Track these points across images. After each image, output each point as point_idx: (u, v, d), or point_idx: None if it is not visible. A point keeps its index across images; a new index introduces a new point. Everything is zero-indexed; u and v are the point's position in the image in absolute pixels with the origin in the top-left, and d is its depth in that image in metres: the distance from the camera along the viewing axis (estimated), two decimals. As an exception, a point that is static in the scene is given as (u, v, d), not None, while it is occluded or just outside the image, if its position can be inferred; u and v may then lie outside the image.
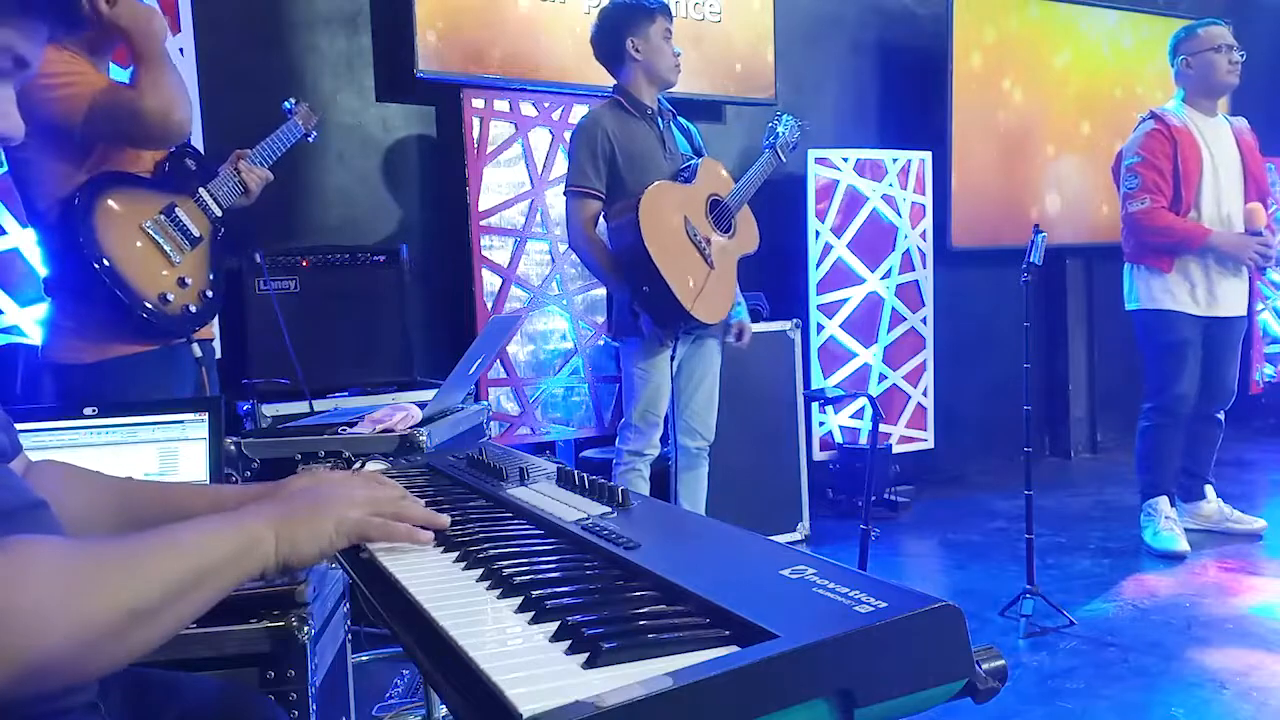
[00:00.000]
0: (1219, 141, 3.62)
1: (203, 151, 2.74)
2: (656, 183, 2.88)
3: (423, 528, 0.98)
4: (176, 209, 2.15)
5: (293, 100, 2.63)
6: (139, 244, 2.08)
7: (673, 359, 2.93)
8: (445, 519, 1.01)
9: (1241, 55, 3.66)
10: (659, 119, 3.02)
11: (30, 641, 0.68)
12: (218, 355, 3.05)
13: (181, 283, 2.14)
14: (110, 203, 2.05)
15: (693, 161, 3.01)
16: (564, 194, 3.03)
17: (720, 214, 2.97)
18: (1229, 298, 3.60)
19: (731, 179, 3.06)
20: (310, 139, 2.63)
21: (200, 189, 2.22)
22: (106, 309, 2.03)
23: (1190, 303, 3.56)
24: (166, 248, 2.12)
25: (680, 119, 3.14)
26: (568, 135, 3.67)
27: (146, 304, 2.06)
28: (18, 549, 0.72)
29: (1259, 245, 3.50)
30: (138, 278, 2.06)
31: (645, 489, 3.04)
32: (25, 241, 2.76)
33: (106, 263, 2.00)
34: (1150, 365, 3.68)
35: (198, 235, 2.20)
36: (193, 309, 2.17)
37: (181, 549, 0.81)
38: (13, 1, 0.82)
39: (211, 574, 0.82)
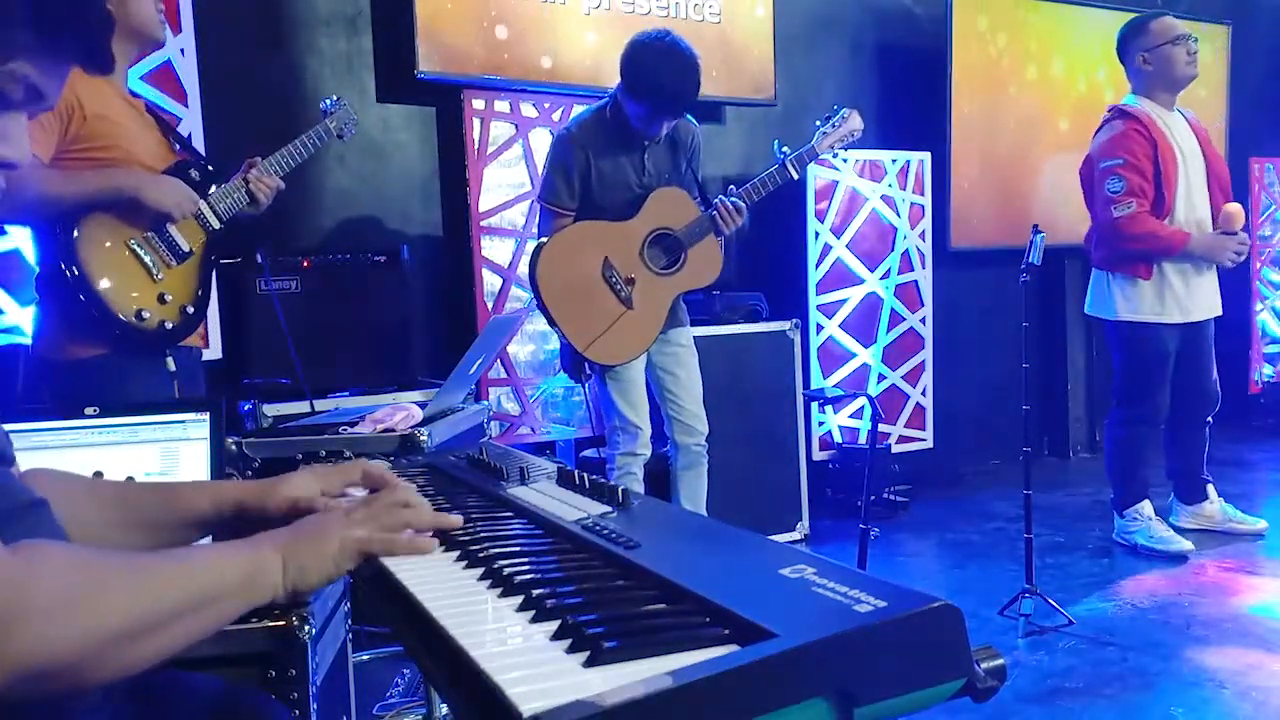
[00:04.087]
0: (1183, 138, 3.52)
1: (203, 152, 2.74)
2: (575, 225, 2.89)
3: (435, 531, 0.97)
4: (168, 225, 2.17)
5: (333, 99, 2.58)
6: (120, 260, 2.11)
7: (583, 383, 3.00)
8: (456, 519, 0.99)
9: (1196, 44, 3.54)
10: (644, 138, 2.93)
11: (37, 644, 0.69)
12: (218, 357, 3.06)
13: (161, 299, 2.16)
14: (98, 219, 2.07)
15: (649, 192, 2.94)
16: (537, 201, 3.05)
17: (665, 249, 2.92)
18: (1204, 301, 3.53)
19: (696, 208, 2.95)
20: (344, 138, 2.59)
21: (199, 202, 2.22)
22: (80, 315, 2.06)
23: (1171, 310, 3.47)
24: (149, 263, 2.14)
25: (679, 124, 3.02)
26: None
27: (120, 320, 2.09)
28: (30, 552, 0.72)
29: (1237, 245, 3.43)
30: (113, 294, 2.08)
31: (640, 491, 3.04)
32: (25, 242, 2.76)
33: (80, 277, 2.03)
34: (1127, 375, 3.57)
35: (187, 250, 2.21)
36: (169, 325, 2.18)
37: (194, 570, 0.82)
38: (32, 39, 0.80)
39: (221, 597, 0.82)
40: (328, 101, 2.57)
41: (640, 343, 2.93)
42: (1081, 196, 3.75)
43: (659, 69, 2.74)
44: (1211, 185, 3.53)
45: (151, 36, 2.20)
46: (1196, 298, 3.51)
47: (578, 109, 3.75)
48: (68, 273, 2.03)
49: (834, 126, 3.05)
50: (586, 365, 2.95)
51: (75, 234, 2.04)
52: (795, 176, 3.00)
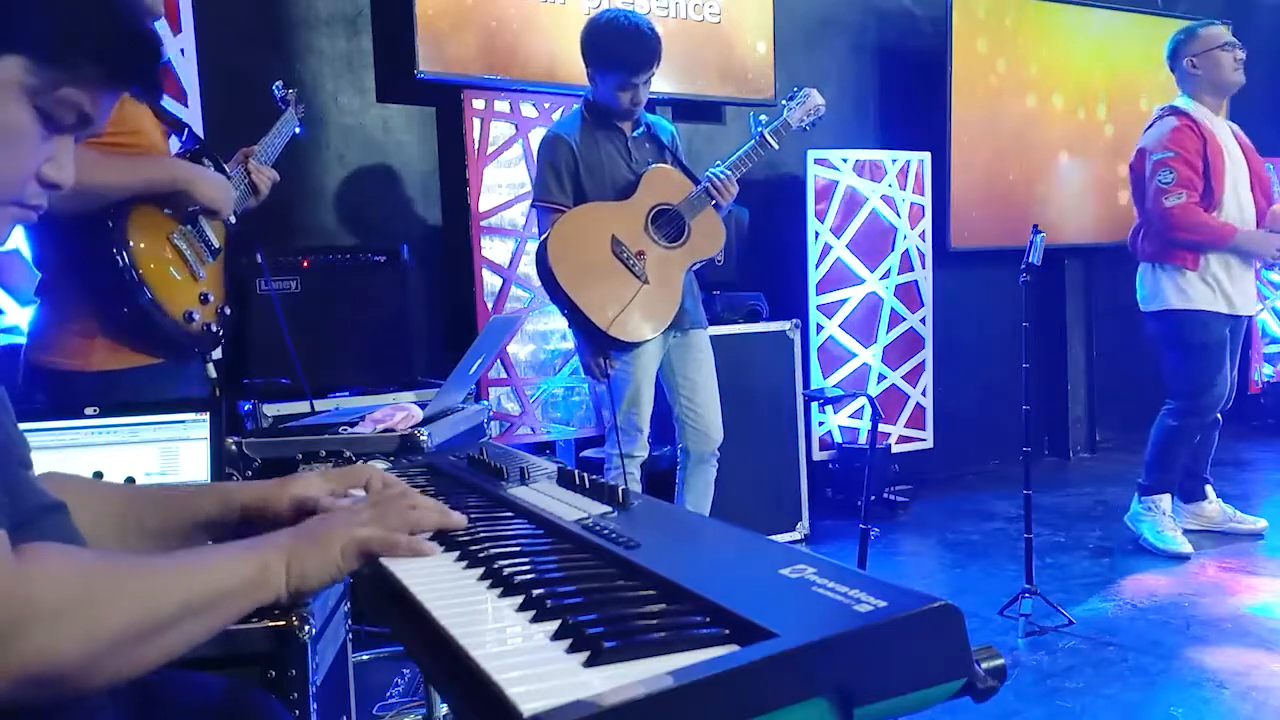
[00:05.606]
0: (1227, 141, 3.61)
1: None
2: (576, 208, 2.87)
3: (436, 533, 0.98)
4: (200, 217, 2.02)
5: (281, 83, 2.52)
6: (169, 257, 1.95)
7: (608, 375, 2.92)
8: (461, 518, 0.99)
9: (1243, 52, 3.65)
10: (625, 130, 2.97)
11: (42, 648, 0.69)
12: (218, 357, 3.05)
13: (204, 299, 2.01)
14: (144, 211, 1.91)
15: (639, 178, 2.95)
16: (531, 207, 3.05)
17: (667, 222, 2.92)
18: (1245, 297, 3.59)
19: (690, 183, 2.98)
20: (300, 132, 2.51)
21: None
22: (130, 319, 1.88)
23: (1219, 301, 3.53)
24: (192, 260, 1.99)
25: (653, 119, 3.09)
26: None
27: (174, 322, 1.92)
28: (35, 556, 0.73)
29: None
30: (167, 295, 1.91)
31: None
32: (25, 241, 2.74)
33: (138, 276, 1.86)
34: (1181, 366, 3.59)
35: (218, 246, 2.07)
36: (213, 328, 2.03)
37: (197, 572, 0.83)
38: (93, 70, 0.82)
39: (225, 599, 0.83)
40: (277, 88, 2.50)
41: (662, 316, 2.89)
42: (1082, 197, 3.78)
43: (614, 31, 2.86)
44: (1255, 189, 3.61)
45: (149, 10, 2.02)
46: (1238, 292, 3.56)
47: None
48: (126, 274, 1.83)
49: (799, 104, 3.09)
50: (606, 363, 2.91)
51: (126, 227, 1.85)
52: (775, 146, 3.04)
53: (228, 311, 2.11)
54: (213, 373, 2.10)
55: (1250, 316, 3.68)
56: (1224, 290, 3.53)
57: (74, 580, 0.73)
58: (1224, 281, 3.53)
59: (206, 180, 2.00)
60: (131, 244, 1.87)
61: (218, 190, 2.01)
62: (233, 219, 2.14)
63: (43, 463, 1.08)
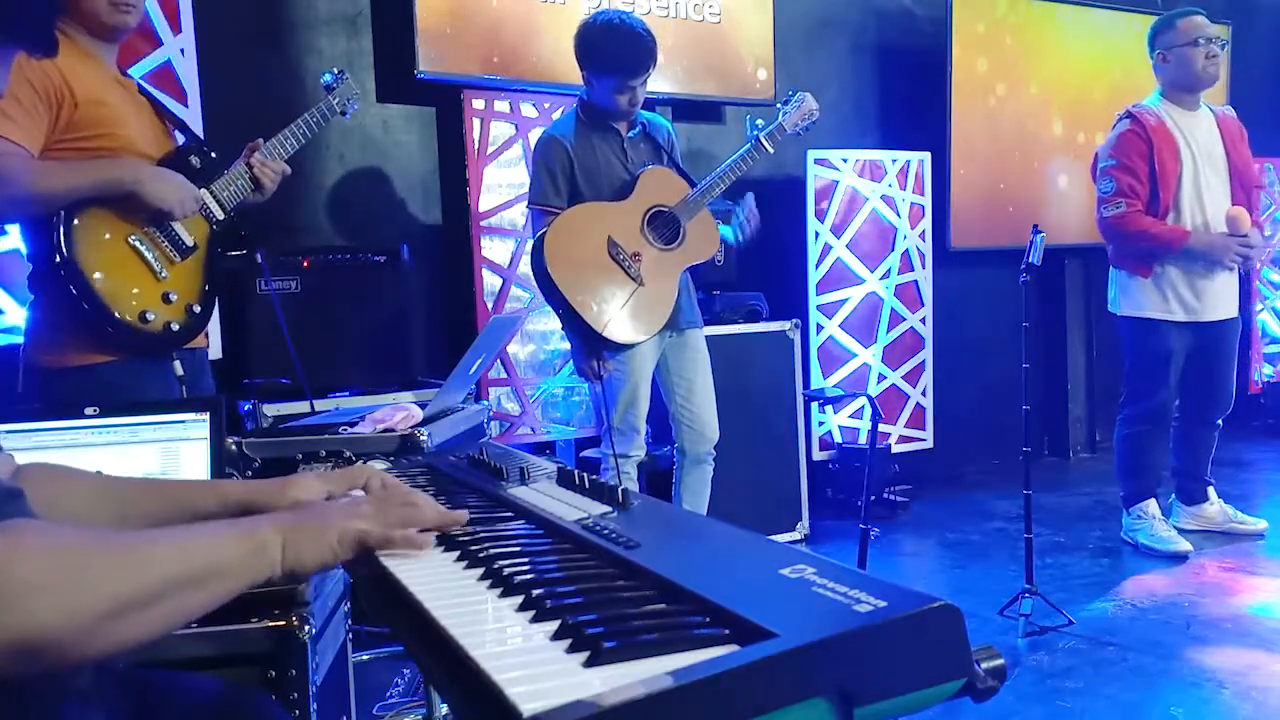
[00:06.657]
0: (1200, 137, 3.51)
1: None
2: (573, 208, 2.87)
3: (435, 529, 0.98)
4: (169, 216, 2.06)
5: (334, 71, 2.43)
6: (121, 258, 2.00)
7: (600, 378, 2.91)
8: (462, 514, 1.00)
9: (1222, 46, 3.54)
10: (620, 130, 2.97)
11: (24, 617, 0.68)
12: (218, 357, 3.06)
13: (166, 298, 2.05)
14: (96, 212, 1.96)
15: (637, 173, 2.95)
16: (527, 208, 3.06)
17: (663, 224, 2.92)
18: (1215, 300, 3.50)
19: (686, 185, 2.97)
20: (347, 116, 2.46)
21: (202, 195, 2.12)
22: (80, 319, 1.96)
23: (1174, 309, 3.47)
24: (152, 260, 2.03)
25: (649, 117, 3.08)
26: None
27: (124, 322, 1.98)
28: (13, 529, 0.72)
29: (1240, 246, 3.41)
30: (115, 295, 1.97)
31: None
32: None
33: (79, 277, 1.93)
34: (1132, 371, 3.62)
35: (191, 244, 2.10)
36: (175, 326, 2.07)
37: (186, 546, 0.82)
38: None
39: (216, 574, 0.82)
40: (329, 75, 2.43)
41: (658, 318, 2.89)
42: (1083, 197, 3.78)
43: (610, 34, 2.85)
44: (1234, 185, 3.53)
45: (103, 24, 2.02)
46: (1205, 297, 3.49)
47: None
48: (64, 273, 1.91)
49: (794, 108, 3.09)
50: (600, 365, 2.91)
51: (72, 230, 1.92)
52: (770, 150, 3.04)
53: (197, 310, 2.13)
54: (179, 370, 2.12)
55: (1233, 320, 3.57)
56: (1181, 297, 3.47)
57: (55, 553, 0.72)
58: (1181, 288, 3.47)
59: (156, 181, 2.02)
60: (73, 245, 1.93)
61: (167, 191, 2.03)
62: (220, 215, 2.16)
63: (44, 462, 1.08)
